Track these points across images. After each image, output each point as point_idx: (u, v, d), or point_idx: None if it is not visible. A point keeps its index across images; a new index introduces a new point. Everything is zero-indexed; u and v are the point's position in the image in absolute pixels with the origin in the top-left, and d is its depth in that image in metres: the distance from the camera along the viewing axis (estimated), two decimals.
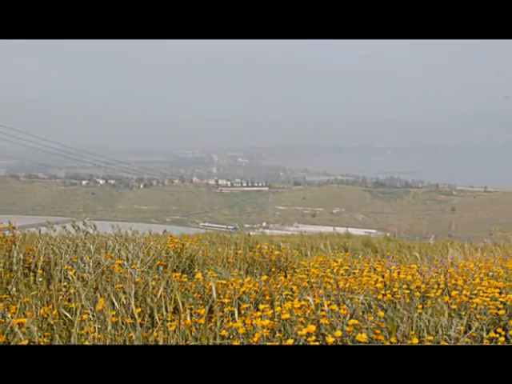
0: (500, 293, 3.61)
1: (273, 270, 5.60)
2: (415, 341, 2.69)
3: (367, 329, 2.73)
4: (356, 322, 2.60)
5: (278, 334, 2.67)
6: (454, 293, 3.50)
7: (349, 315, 2.76)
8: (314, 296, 3.09)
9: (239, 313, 3.01)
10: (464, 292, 3.49)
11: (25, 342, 2.49)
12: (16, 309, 2.95)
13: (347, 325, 2.59)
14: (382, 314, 2.93)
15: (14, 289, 3.59)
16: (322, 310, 2.80)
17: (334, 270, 4.54)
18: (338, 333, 2.49)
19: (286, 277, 4.84)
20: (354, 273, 4.68)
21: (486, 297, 3.37)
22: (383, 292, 3.61)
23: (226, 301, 3.23)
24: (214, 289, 3.05)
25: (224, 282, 3.69)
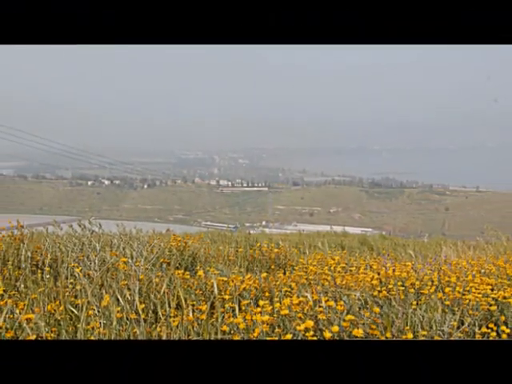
0: (492, 289, 3.61)
1: (272, 267, 5.60)
2: (410, 336, 2.69)
3: (363, 324, 2.73)
4: (352, 317, 2.60)
5: (277, 330, 2.67)
6: (447, 289, 3.50)
7: (345, 311, 2.76)
8: (312, 292, 3.09)
9: (240, 309, 3.01)
10: (457, 289, 3.49)
11: (32, 337, 2.49)
12: (24, 305, 2.96)
13: (344, 320, 2.59)
14: (377, 309, 2.93)
15: (22, 285, 3.60)
16: (320, 306, 2.80)
17: (332, 268, 4.54)
18: (336, 328, 2.49)
19: (284, 274, 4.83)
20: (351, 270, 4.68)
21: (479, 293, 3.37)
22: (379, 289, 3.61)
23: (227, 297, 3.23)
24: (215, 285, 3.05)
25: (225, 279, 3.69)
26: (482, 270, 4.60)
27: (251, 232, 14.03)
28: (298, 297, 3.00)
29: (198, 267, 4.82)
